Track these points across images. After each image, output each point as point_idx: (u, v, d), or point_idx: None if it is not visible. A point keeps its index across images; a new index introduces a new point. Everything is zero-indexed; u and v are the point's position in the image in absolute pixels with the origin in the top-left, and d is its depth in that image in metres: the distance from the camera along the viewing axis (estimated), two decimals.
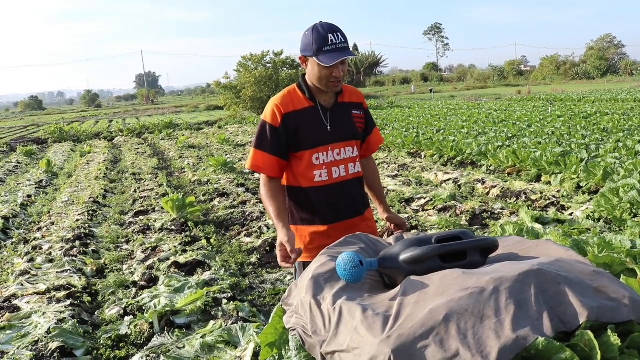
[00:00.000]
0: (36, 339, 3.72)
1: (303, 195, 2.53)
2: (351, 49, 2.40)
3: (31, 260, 5.62)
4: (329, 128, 2.47)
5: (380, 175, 9.19)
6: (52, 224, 7.30)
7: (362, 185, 2.70)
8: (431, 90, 48.60)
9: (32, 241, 6.49)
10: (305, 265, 2.61)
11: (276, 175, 2.48)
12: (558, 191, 6.97)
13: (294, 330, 1.66)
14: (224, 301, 4.11)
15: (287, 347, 1.77)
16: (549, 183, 7.63)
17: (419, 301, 1.44)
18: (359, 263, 1.61)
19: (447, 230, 5.75)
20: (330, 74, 2.34)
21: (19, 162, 15.95)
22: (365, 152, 2.72)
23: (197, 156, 14.13)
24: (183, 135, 20.15)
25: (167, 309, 3.95)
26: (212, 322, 3.75)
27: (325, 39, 2.29)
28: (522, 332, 1.27)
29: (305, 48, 2.37)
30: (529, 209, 6.08)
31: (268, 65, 34.18)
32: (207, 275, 4.71)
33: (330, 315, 1.54)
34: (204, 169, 11.40)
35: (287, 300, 1.88)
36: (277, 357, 1.89)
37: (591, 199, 6.35)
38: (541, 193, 6.89)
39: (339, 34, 2.32)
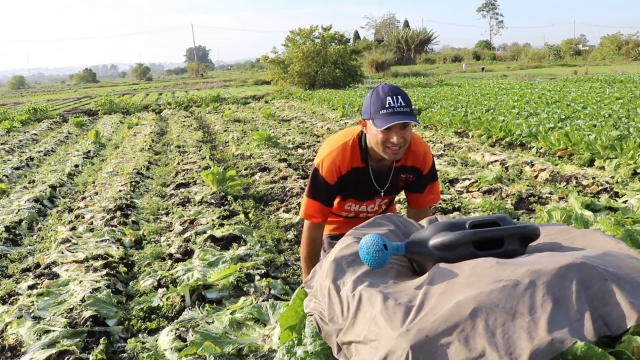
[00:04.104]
0: (71, 306, 3.77)
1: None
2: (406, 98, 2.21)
3: (73, 229, 5.72)
4: (382, 192, 2.55)
5: None
6: (96, 193, 7.43)
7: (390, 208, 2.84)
8: (483, 69, 47.31)
9: (75, 210, 6.62)
10: (330, 237, 2.63)
11: (324, 220, 2.58)
12: (612, 177, 6.61)
13: (311, 315, 1.56)
14: (257, 277, 4.06)
15: (305, 332, 1.67)
16: (602, 168, 7.26)
17: (446, 292, 1.31)
18: (383, 247, 1.49)
19: (488, 213, 5.57)
20: (387, 138, 2.20)
21: (69, 133, 16.37)
22: (412, 205, 2.69)
23: (242, 130, 14.16)
24: (229, 109, 20.25)
25: (199, 282, 3.92)
26: (242, 298, 3.71)
27: (383, 102, 2.16)
28: (558, 334, 1.11)
29: (365, 110, 2.28)
30: (579, 194, 5.80)
31: (316, 40, 33.86)
32: (242, 250, 4.67)
33: (349, 302, 1.43)
34: (248, 143, 11.40)
35: (310, 282, 1.79)
36: (296, 342, 1.80)
37: None
38: (593, 178, 6.56)
39: (399, 97, 2.16)
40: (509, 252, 1.53)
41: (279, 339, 2.05)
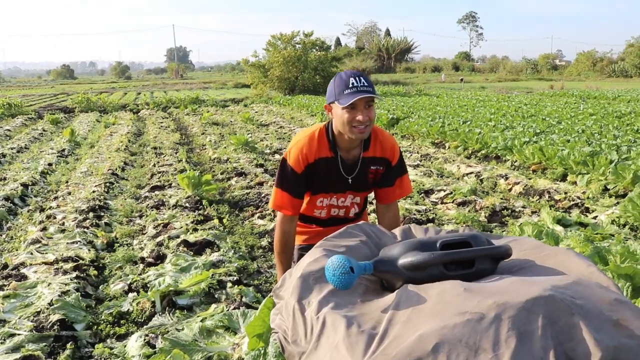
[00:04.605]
0: (38, 309, 3.70)
1: (302, 216, 2.69)
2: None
3: (44, 229, 5.61)
4: (350, 180, 2.53)
5: None
6: (69, 193, 7.31)
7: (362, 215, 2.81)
8: (462, 80, 47.87)
9: (47, 210, 6.50)
10: (301, 248, 2.63)
11: (294, 213, 2.56)
12: (583, 192, 6.73)
13: (276, 333, 1.55)
14: (229, 284, 4.04)
15: (269, 350, 1.66)
16: (574, 183, 7.39)
17: (411, 320, 1.29)
18: (350, 270, 1.45)
19: (461, 225, 5.61)
20: (353, 117, 2.28)
21: (44, 130, 16.09)
22: (381, 200, 2.69)
23: (220, 133, 14.08)
24: (208, 112, 20.14)
25: (170, 288, 3.88)
26: (213, 306, 3.68)
27: (347, 83, 2.26)
28: None
29: (329, 95, 2.36)
30: (551, 209, 5.88)
31: (297, 45, 33.88)
32: (214, 257, 4.64)
33: (313, 324, 1.40)
34: (225, 147, 11.34)
35: (279, 292, 1.75)
36: (262, 352, 1.79)
37: (618, 203, 6.10)
38: (565, 193, 6.67)
39: (361, 78, 2.27)
40: (480, 271, 1.52)
41: (248, 348, 2.03)
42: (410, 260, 1.49)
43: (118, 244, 5.35)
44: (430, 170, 8.46)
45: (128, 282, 4.26)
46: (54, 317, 3.57)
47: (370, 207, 5.28)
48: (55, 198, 7.17)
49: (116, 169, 8.98)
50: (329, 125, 2.47)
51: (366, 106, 2.28)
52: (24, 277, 4.36)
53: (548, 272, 1.52)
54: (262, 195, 7.03)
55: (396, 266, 1.52)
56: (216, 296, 3.89)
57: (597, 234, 4.79)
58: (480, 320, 1.19)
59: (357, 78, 2.26)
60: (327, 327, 1.35)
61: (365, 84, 2.25)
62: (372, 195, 2.75)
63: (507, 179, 7.68)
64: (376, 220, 2.81)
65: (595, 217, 5.70)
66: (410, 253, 1.51)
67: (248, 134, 13.51)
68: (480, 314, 1.21)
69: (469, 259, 1.51)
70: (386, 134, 2.58)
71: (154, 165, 9.43)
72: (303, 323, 1.43)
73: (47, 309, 3.68)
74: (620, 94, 27.35)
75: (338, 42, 79.76)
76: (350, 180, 2.50)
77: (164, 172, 8.72)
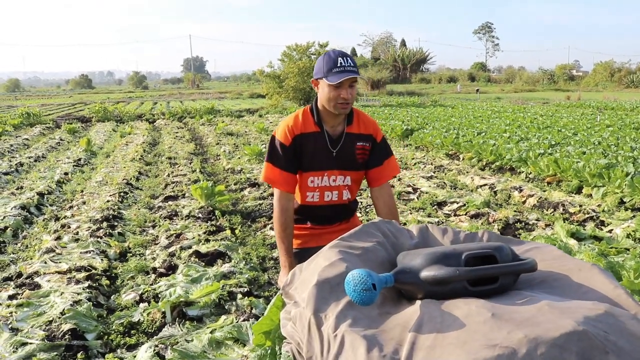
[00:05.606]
0: (50, 318, 3.73)
1: (294, 205, 2.70)
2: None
3: (58, 238, 5.67)
4: (334, 153, 2.61)
5: (415, 175, 8.97)
6: (84, 203, 7.38)
7: (354, 205, 2.86)
8: (477, 91, 47.65)
9: (62, 219, 6.57)
10: (298, 252, 2.69)
11: (289, 190, 2.61)
12: (599, 205, 6.65)
13: (289, 343, 1.51)
14: (239, 296, 4.04)
15: (281, 344, 1.62)
16: (589, 196, 7.30)
17: (435, 347, 1.22)
18: (371, 286, 1.40)
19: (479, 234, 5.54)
20: (338, 95, 2.46)
21: (61, 139, 16.29)
22: (373, 183, 2.75)
23: (234, 144, 14.15)
24: (223, 122, 20.24)
25: (180, 299, 3.90)
26: (223, 317, 3.69)
27: (335, 62, 2.44)
28: None
29: (317, 71, 2.52)
30: (565, 222, 5.82)
31: (313, 56, 33.94)
32: (226, 267, 4.65)
33: (330, 342, 1.34)
34: (239, 157, 11.40)
35: (288, 289, 1.68)
36: (269, 351, 1.75)
37: (634, 216, 6.02)
38: (580, 206, 6.59)
39: (348, 58, 2.47)
40: (503, 285, 1.49)
41: (253, 342, 1.98)
42: (434, 274, 1.45)
43: (130, 254, 5.38)
44: (444, 182, 8.42)
45: (139, 292, 4.28)
46: (66, 327, 3.60)
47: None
48: (70, 207, 7.25)
49: (131, 179, 9.05)
50: (313, 105, 2.61)
51: (350, 85, 2.46)
52: (38, 286, 4.41)
53: (573, 291, 1.47)
54: None
55: (418, 278, 1.48)
56: (226, 307, 3.89)
57: (611, 248, 4.73)
58: (512, 357, 1.13)
59: (344, 58, 2.44)
60: (346, 349, 1.29)
61: (352, 64, 2.44)
62: (369, 198, 2.74)
63: (521, 191, 7.62)
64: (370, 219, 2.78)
65: (610, 231, 5.62)
66: (434, 267, 1.47)
67: (262, 144, 13.54)
68: (511, 349, 1.14)
69: (495, 275, 1.49)
70: (367, 114, 2.75)
71: (168, 175, 9.50)
72: (319, 339, 1.37)
73: (59, 318, 3.71)
74: (639, 105, 27.03)
75: (354, 53, 79.89)
76: (334, 153, 2.60)
77: (177, 182, 8.78)
